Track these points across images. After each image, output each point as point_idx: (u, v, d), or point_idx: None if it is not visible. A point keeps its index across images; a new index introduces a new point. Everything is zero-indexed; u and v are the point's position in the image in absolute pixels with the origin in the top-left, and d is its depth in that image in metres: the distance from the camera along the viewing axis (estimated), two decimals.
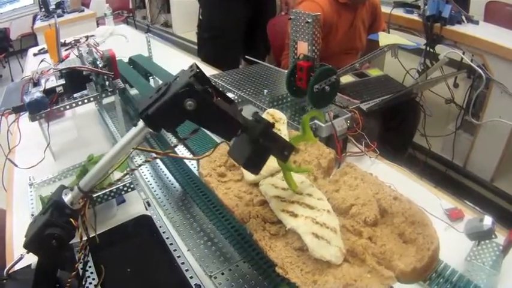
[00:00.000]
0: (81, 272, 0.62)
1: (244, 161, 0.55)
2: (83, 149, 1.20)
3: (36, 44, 2.75)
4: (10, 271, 0.63)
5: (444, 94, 2.15)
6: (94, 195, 0.86)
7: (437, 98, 2.15)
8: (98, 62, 1.02)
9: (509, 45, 1.81)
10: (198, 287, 0.66)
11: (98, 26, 3.14)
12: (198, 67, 0.52)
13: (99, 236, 0.88)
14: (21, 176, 1.06)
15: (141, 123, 0.51)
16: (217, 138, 0.82)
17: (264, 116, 0.82)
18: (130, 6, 4.45)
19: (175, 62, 1.99)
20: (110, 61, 1.00)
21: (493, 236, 0.69)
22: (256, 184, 0.66)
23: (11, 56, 4.56)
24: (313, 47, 1.07)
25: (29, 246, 0.55)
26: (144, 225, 0.94)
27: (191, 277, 0.68)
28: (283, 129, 0.78)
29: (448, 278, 0.51)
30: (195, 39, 4.44)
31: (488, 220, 0.69)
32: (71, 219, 0.54)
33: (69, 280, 0.60)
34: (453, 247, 0.65)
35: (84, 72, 0.99)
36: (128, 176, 0.95)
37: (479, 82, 1.84)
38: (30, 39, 4.07)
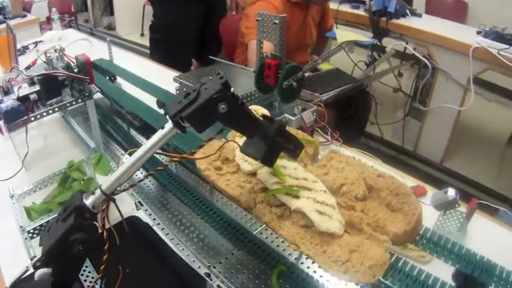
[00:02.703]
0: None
1: (262, 156, 0.62)
2: (52, 157, 1.17)
3: None
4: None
5: (391, 84, 2.30)
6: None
7: (385, 87, 2.29)
8: (72, 67, 1.01)
9: (451, 36, 1.98)
10: (207, 275, 0.70)
11: (41, 31, 3.01)
12: (222, 73, 0.58)
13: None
14: None
15: (168, 126, 0.56)
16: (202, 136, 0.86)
17: None
18: (73, 10, 4.27)
19: (133, 65, 1.98)
20: (85, 66, 1.00)
21: (457, 205, 0.79)
22: (253, 174, 0.72)
23: None
24: (280, 46, 1.14)
25: (49, 254, 0.54)
26: (134, 225, 0.96)
27: (199, 267, 0.71)
28: None
29: (430, 238, 0.60)
30: (140, 41, 4.41)
31: (452, 192, 0.79)
32: (95, 223, 0.55)
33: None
34: (423, 219, 0.74)
35: (59, 78, 0.98)
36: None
37: (425, 71, 2.00)
38: None
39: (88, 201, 0.56)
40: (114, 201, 0.58)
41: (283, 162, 0.71)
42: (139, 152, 0.56)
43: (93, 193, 0.57)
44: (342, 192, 0.66)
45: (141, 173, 0.98)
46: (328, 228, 0.57)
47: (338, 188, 0.67)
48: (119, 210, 0.61)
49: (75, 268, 0.59)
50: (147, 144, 0.56)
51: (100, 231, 0.56)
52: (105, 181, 0.57)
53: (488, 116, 2.58)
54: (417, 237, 0.61)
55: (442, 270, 0.58)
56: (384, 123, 2.32)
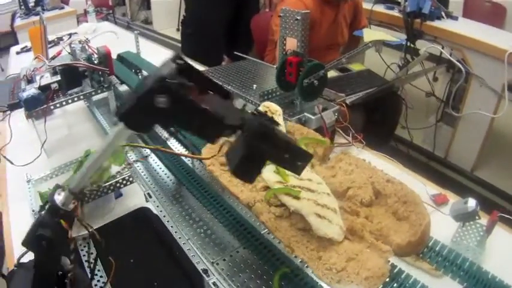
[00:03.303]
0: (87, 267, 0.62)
1: (233, 167, 0.48)
2: (74, 145, 1.20)
3: (16, 43, 2.70)
4: (20, 260, 0.64)
5: (424, 87, 2.22)
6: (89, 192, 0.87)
7: (417, 91, 2.22)
8: (93, 59, 1.03)
9: (487, 40, 1.89)
10: (205, 272, 0.69)
11: (78, 23, 3.11)
12: (181, 58, 0.47)
13: (101, 229, 0.91)
14: (13, 175, 1.07)
15: (120, 124, 0.46)
16: None
17: (260, 108, 0.86)
18: (110, 3, 4.39)
19: (161, 58, 2.00)
20: (106, 57, 1.01)
21: (477, 217, 0.74)
22: None
23: None
24: (302, 43, 1.11)
25: (24, 244, 0.54)
26: (143, 217, 0.97)
27: (198, 262, 0.71)
28: (279, 121, 0.82)
29: (438, 252, 0.56)
30: (175, 36, 4.48)
31: (472, 202, 0.74)
32: (62, 221, 0.53)
33: (69, 275, 0.60)
34: (440, 229, 0.69)
35: (80, 69, 1.00)
36: (126, 169, 0.98)
37: (459, 76, 1.92)
38: (9, 37, 3.98)
39: (59, 198, 0.53)
40: (82, 200, 0.57)
41: None
42: (97, 152, 0.51)
43: (64, 190, 0.54)
44: (348, 196, 0.63)
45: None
46: (326, 233, 0.54)
47: (344, 192, 0.64)
48: (83, 224, 0.59)
49: (51, 263, 0.58)
50: (103, 144, 0.51)
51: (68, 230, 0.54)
52: (73, 180, 0.54)
53: None
54: (425, 250, 0.57)
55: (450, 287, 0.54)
56: (415, 128, 2.24)
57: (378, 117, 1.94)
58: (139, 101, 0.43)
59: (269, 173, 0.67)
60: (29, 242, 0.54)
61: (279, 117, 0.83)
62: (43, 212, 0.54)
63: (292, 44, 1.15)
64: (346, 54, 1.30)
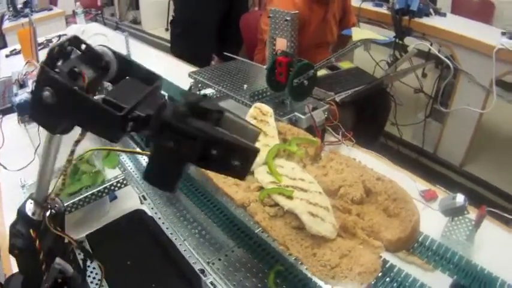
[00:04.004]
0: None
1: (144, 174, 0.39)
2: (68, 149, 1.20)
3: (5, 45, 2.67)
4: None
5: (413, 84, 2.24)
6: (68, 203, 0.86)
7: (406, 88, 2.25)
8: None
9: (475, 37, 1.92)
10: (201, 272, 0.70)
11: (66, 25, 3.08)
12: (78, 38, 0.40)
13: (97, 233, 0.91)
14: (7, 180, 1.06)
15: None
16: None
17: (252, 110, 0.86)
18: (99, 4, 4.37)
19: (151, 60, 2.00)
20: None
21: (466, 212, 0.76)
22: (251, 172, 0.71)
23: None
24: (292, 43, 1.12)
25: (10, 252, 0.54)
26: (138, 219, 0.97)
27: (194, 262, 0.72)
28: (271, 122, 0.83)
29: (428, 247, 0.58)
30: (164, 36, 4.47)
31: (460, 198, 0.76)
32: (31, 230, 0.51)
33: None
34: (430, 224, 0.71)
35: None
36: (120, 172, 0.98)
37: (447, 72, 1.95)
38: None
39: (30, 207, 0.52)
40: (47, 208, 0.53)
41: (280, 162, 0.70)
42: (42, 159, 0.51)
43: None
44: (339, 195, 0.65)
45: None
46: (319, 231, 0.55)
47: (336, 190, 0.66)
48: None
49: (36, 273, 0.55)
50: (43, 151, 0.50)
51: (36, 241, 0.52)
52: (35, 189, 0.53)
53: (510, 119, 2.49)
54: (415, 245, 0.59)
55: (438, 281, 0.56)
56: (404, 124, 2.27)
57: (367, 115, 1.96)
58: (33, 98, 0.37)
59: (262, 174, 0.68)
60: (9, 250, 0.54)
61: (270, 118, 0.84)
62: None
63: (281, 44, 1.17)
64: (335, 53, 1.32)
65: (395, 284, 0.54)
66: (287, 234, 0.58)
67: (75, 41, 0.41)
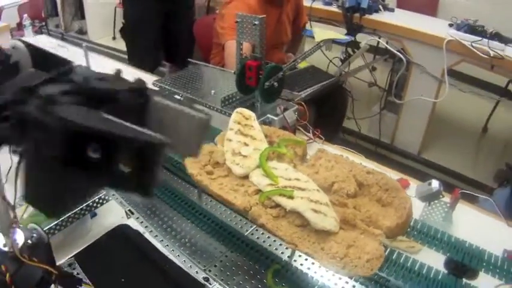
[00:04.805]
0: None
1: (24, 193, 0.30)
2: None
3: None
4: None
5: (366, 78, 2.34)
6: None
7: (360, 82, 2.33)
8: None
9: (423, 29, 2.04)
10: (206, 280, 0.70)
11: (12, 38, 2.90)
12: None
13: (83, 253, 0.88)
14: None
15: None
16: None
17: (234, 116, 0.87)
18: (43, 15, 4.14)
19: (108, 69, 1.95)
20: None
21: (441, 196, 0.83)
22: (245, 177, 0.73)
23: None
24: (260, 47, 1.15)
25: None
26: (124, 234, 0.95)
27: (197, 272, 0.72)
28: (256, 126, 0.84)
29: (420, 230, 0.63)
30: (112, 44, 4.34)
31: (436, 183, 0.83)
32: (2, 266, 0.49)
33: None
34: None
35: None
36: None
37: (400, 65, 2.06)
38: None
39: None
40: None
41: (273, 164, 0.72)
42: None
43: None
44: (334, 190, 0.68)
45: None
46: (324, 226, 0.58)
47: (329, 186, 0.69)
48: None
49: None
50: None
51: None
52: None
53: (463, 107, 2.67)
54: (408, 229, 0.64)
55: (434, 259, 0.61)
56: (361, 118, 2.36)
57: (326, 111, 2.02)
58: None
59: (258, 177, 0.70)
60: None
61: (254, 122, 0.86)
62: None
63: (246, 47, 1.19)
64: (301, 55, 1.36)
65: (398, 267, 0.58)
66: (293, 232, 0.60)
67: None
